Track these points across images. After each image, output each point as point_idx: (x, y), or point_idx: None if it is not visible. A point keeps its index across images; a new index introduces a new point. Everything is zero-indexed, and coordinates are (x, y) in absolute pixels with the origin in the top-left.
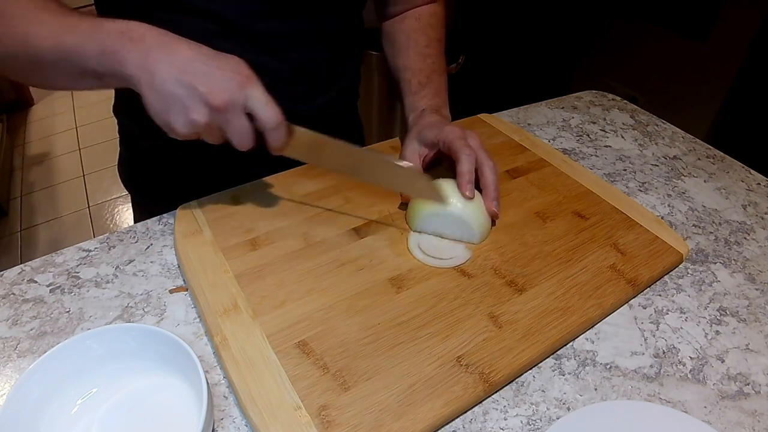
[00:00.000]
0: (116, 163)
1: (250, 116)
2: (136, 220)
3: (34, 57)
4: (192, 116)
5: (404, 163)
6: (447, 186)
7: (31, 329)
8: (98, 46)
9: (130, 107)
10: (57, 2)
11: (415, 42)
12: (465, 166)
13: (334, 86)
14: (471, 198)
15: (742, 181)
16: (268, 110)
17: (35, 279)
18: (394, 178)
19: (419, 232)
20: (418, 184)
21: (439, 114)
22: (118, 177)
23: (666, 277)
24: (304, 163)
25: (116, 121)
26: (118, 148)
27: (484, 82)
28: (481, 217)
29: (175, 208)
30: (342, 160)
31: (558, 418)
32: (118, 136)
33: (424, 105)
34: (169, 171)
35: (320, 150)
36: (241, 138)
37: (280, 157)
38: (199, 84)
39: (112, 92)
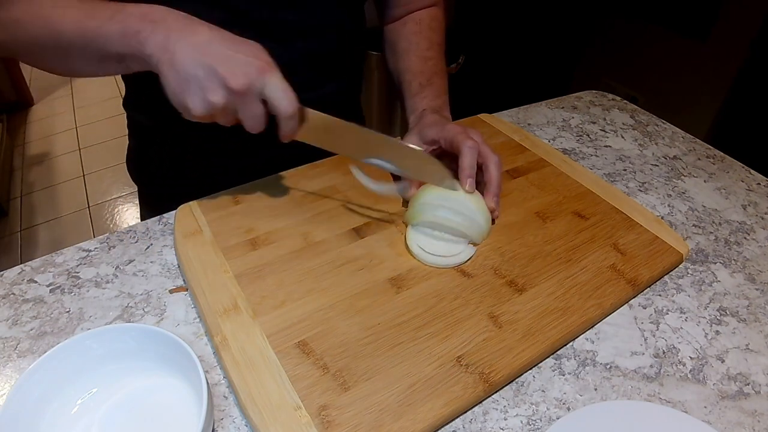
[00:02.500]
0: (116, 163)
1: (264, 101)
2: (142, 215)
3: (58, 41)
4: (209, 97)
5: (415, 147)
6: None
7: (31, 329)
8: (120, 28)
9: (141, 100)
10: None
11: (416, 45)
12: (467, 160)
13: (337, 76)
14: (471, 192)
15: (742, 181)
16: (285, 98)
17: (35, 279)
18: (405, 160)
19: (419, 227)
20: (429, 167)
21: (440, 114)
22: (119, 176)
23: (666, 277)
24: (306, 163)
25: (126, 114)
26: (127, 142)
27: (484, 82)
28: (482, 212)
29: (181, 203)
30: (353, 142)
31: (558, 418)
32: (119, 135)
33: (425, 106)
34: (176, 163)
35: (331, 133)
36: (254, 122)
37: (280, 157)
38: (219, 66)
39: (113, 93)
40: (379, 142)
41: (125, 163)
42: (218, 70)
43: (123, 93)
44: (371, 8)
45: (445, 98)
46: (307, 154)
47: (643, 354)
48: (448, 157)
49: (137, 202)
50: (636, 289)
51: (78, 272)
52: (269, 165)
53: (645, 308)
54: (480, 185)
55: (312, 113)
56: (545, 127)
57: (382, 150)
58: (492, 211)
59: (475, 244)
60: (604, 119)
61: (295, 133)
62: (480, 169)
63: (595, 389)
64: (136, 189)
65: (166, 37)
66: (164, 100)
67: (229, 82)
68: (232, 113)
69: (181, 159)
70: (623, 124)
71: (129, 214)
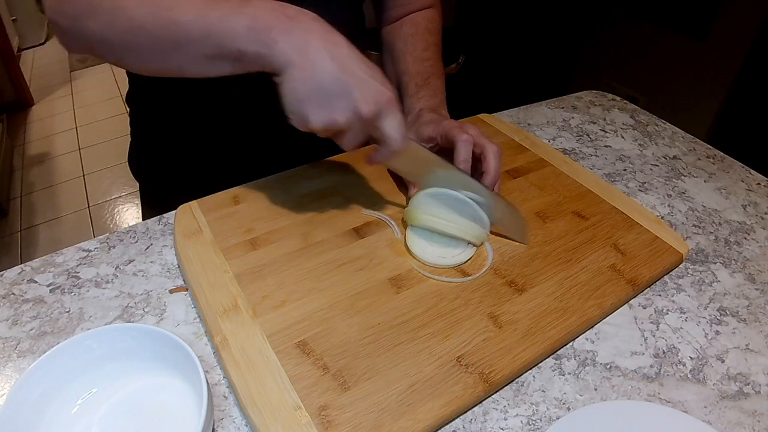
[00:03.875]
0: (116, 163)
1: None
2: (143, 214)
3: (171, 32)
4: (335, 116)
5: (495, 194)
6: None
7: (31, 329)
8: (247, 21)
9: (145, 95)
10: None
11: (412, 47)
12: (461, 155)
13: None
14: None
15: (742, 181)
16: (399, 136)
17: (35, 279)
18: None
19: (418, 228)
20: (505, 212)
21: (437, 113)
22: (119, 176)
23: (666, 277)
24: (305, 163)
25: (129, 111)
26: (128, 142)
27: (484, 82)
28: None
29: (181, 201)
30: (439, 177)
31: (558, 418)
32: (119, 135)
33: (422, 105)
34: (177, 160)
35: (420, 166)
36: (352, 144)
37: (280, 157)
38: (355, 89)
39: (113, 93)
40: (460, 179)
41: (127, 162)
42: (353, 93)
43: (123, 93)
44: (369, 9)
45: (442, 98)
46: (307, 153)
47: (643, 354)
48: (446, 154)
49: (137, 202)
50: (636, 289)
51: (78, 272)
52: (269, 165)
53: (645, 308)
54: (482, 176)
55: (413, 147)
56: (545, 127)
57: (461, 184)
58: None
59: (475, 245)
60: (604, 119)
61: (386, 161)
62: (480, 161)
63: (595, 389)
64: (136, 189)
65: (305, 41)
66: (167, 95)
67: (359, 107)
68: (340, 131)
69: (183, 155)
70: (623, 124)
71: (129, 214)
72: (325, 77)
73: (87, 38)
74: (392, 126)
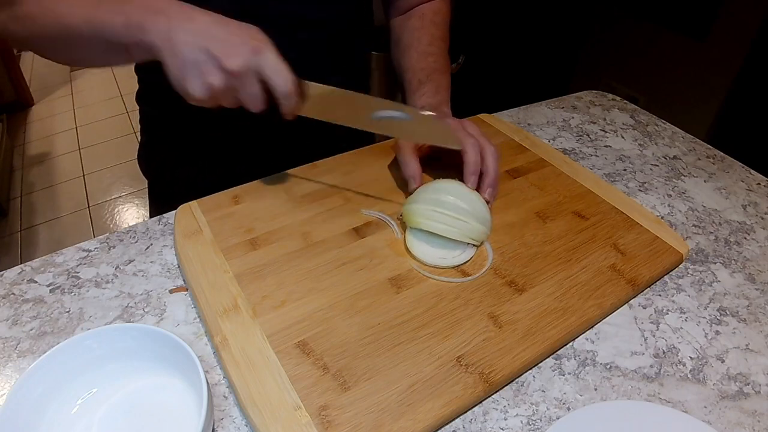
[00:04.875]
0: (116, 163)
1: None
2: (151, 211)
3: (67, 33)
4: (208, 79)
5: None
6: (445, 185)
7: (31, 329)
8: (124, 19)
9: (152, 94)
10: None
11: (417, 41)
12: (471, 157)
13: (341, 69)
14: (473, 188)
15: (742, 181)
16: (280, 77)
17: (35, 279)
18: (409, 125)
19: (417, 229)
20: (431, 126)
21: (437, 111)
22: (119, 176)
23: (666, 277)
24: (304, 164)
25: (138, 109)
26: (127, 142)
27: (484, 82)
28: (478, 219)
29: (189, 199)
30: (358, 107)
31: (558, 418)
32: (119, 135)
33: (423, 103)
34: (185, 157)
35: (335, 103)
36: (254, 101)
37: (281, 157)
38: (215, 49)
39: (113, 93)
40: (382, 102)
41: (127, 162)
42: (214, 53)
43: (123, 93)
44: (378, 7)
45: (445, 94)
46: (307, 154)
47: (643, 354)
48: (446, 154)
49: (137, 202)
50: (636, 289)
51: (78, 272)
52: (269, 165)
53: (645, 308)
54: (481, 177)
55: (312, 86)
56: (545, 127)
57: (387, 105)
58: (487, 202)
59: (475, 245)
60: (604, 119)
61: (297, 110)
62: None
63: (595, 389)
64: (137, 189)
65: (167, 26)
66: (175, 95)
67: (224, 63)
68: (233, 95)
69: (190, 154)
70: (623, 124)
71: (129, 214)
72: (185, 49)
73: (9, 38)
74: (270, 69)
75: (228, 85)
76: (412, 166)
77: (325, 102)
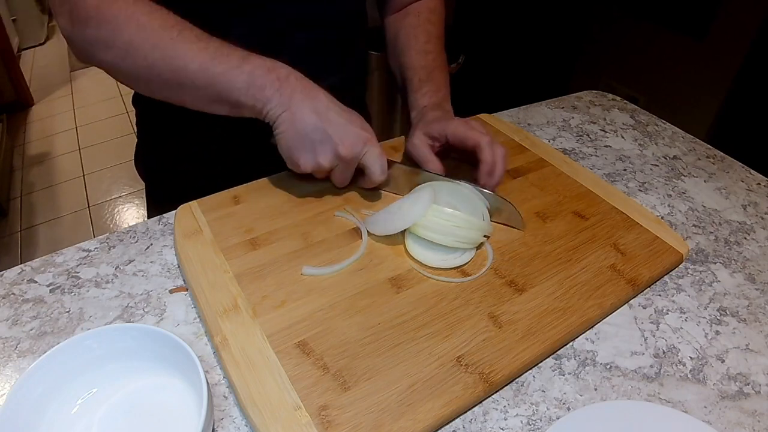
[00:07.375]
0: (116, 163)
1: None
2: (149, 213)
3: (178, 76)
4: (319, 159)
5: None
6: (446, 189)
7: (31, 329)
8: (247, 79)
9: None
10: (188, 23)
11: (415, 39)
12: (488, 156)
13: (339, 69)
14: (487, 187)
15: (742, 181)
16: (378, 166)
17: (35, 279)
18: (463, 201)
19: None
20: (501, 206)
21: (441, 109)
22: (119, 176)
23: (666, 277)
24: None
25: (135, 111)
26: (127, 142)
27: (484, 82)
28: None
29: (187, 200)
30: (412, 185)
31: (558, 418)
32: (119, 135)
33: (426, 102)
34: (182, 159)
35: (411, 182)
36: (344, 180)
37: (281, 157)
38: (333, 133)
39: (113, 93)
40: (446, 186)
41: (128, 162)
42: (333, 138)
43: (123, 93)
44: (372, 9)
45: (446, 91)
46: None
47: (643, 354)
48: (456, 151)
49: (137, 202)
50: (636, 289)
51: (78, 272)
52: (269, 165)
53: (645, 308)
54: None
55: (397, 169)
56: (545, 127)
57: (447, 191)
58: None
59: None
60: (604, 119)
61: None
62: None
63: (595, 389)
64: (136, 189)
65: (289, 97)
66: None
67: (339, 149)
68: (329, 172)
69: (188, 155)
70: (623, 124)
71: (129, 214)
72: (308, 127)
73: (99, 64)
74: (372, 162)
75: (334, 166)
76: (433, 162)
77: (400, 180)
